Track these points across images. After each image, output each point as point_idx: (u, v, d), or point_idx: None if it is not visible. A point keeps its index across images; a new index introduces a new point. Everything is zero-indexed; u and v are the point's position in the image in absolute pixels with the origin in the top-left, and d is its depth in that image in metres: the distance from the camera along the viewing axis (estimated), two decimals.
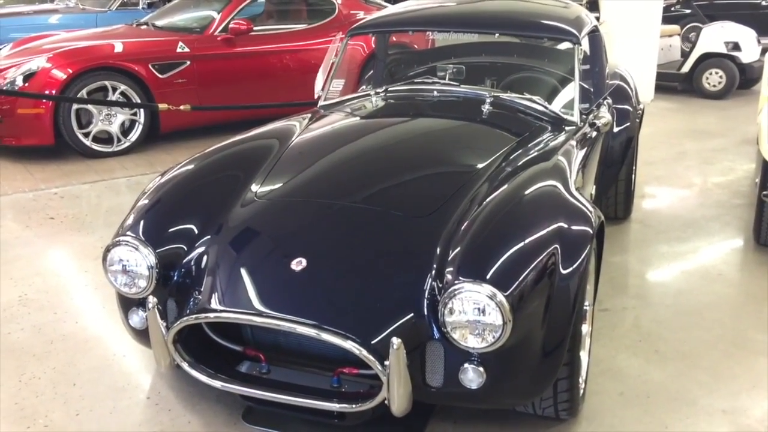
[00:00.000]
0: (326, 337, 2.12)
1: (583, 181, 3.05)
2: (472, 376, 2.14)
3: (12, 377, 2.84)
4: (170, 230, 2.54)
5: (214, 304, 2.28)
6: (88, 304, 3.51)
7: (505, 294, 2.09)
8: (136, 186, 5.25)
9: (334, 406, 2.22)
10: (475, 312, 2.08)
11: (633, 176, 4.59)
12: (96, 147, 6.02)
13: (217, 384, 2.32)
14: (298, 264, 2.29)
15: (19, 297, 3.55)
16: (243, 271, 2.34)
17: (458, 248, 2.26)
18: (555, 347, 2.25)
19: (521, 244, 2.26)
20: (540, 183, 2.63)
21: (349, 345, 2.11)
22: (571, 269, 2.28)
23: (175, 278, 2.45)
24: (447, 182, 2.71)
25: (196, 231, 2.55)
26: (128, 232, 2.49)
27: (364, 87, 4.15)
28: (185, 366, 2.35)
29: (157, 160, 5.97)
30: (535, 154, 2.95)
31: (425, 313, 2.19)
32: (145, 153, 6.18)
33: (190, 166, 2.88)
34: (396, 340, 2.06)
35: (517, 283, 2.14)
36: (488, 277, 2.13)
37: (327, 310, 2.20)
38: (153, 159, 6.04)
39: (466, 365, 2.15)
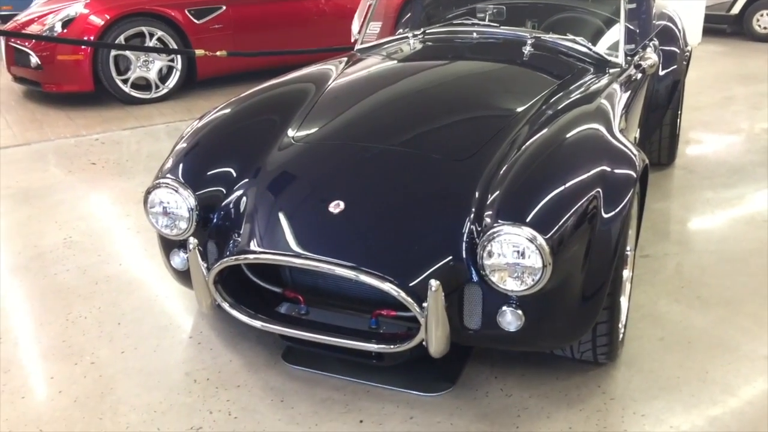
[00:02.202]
0: (364, 278, 2.12)
1: (627, 125, 2.97)
2: (510, 319, 2.13)
3: (59, 316, 2.92)
4: (209, 173, 2.55)
5: (254, 245, 2.29)
6: (130, 247, 3.57)
7: (545, 237, 2.06)
8: (175, 132, 5.29)
9: (372, 347, 2.24)
10: (515, 255, 2.06)
11: (678, 121, 4.47)
12: (134, 93, 6.07)
13: (257, 324, 2.36)
14: (336, 206, 2.29)
15: (64, 240, 3.63)
16: (281, 214, 2.34)
17: (497, 191, 2.23)
18: (595, 291, 2.22)
19: (562, 188, 2.22)
20: (582, 126, 2.57)
21: (387, 287, 2.11)
22: (613, 213, 2.23)
23: (215, 220, 2.47)
24: (486, 125, 2.66)
25: (235, 174, 2.55)
26: (168, 175, 2.51)
27: (401, 30, 4.08)
28: (226, 306, 2.38)
29: (195, 107, 6.00)
30: (578, 96, 2.88)
31: (464, 255, 2.17)
32: (182, 99, 6.21)
33: (228, 110, 2.88)
34: (434, 282, 2.05)
35: (557, 226, 2.11)
36: (528, 219, 2.10)
37: (365, 252, 2.20)
38: (191, 105, 6.07)
39: (504, 308, 2.14)
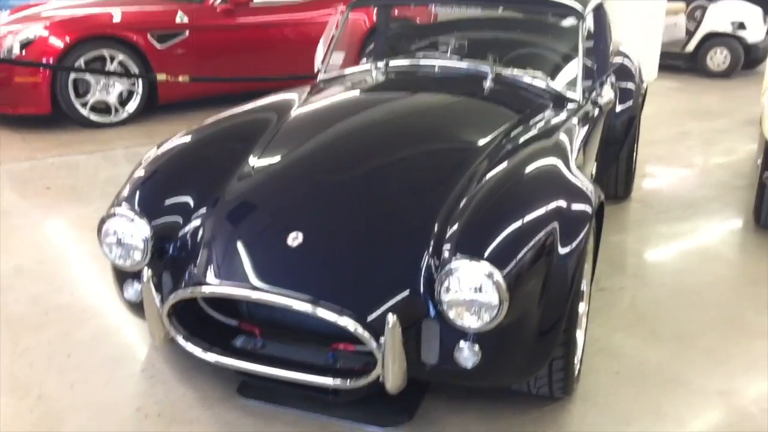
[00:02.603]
0: (321, 313, 2.10)
1: (584, 160, 3.02)
2: (467, 355, 2.13)
3: (7, 348, 2.84)
4: (166, 202, 2.52)
5: (210, 278, 2.26)
6: (84, 275, 3.50)
7: (503, 272, 2.07)
8: (134, 157, 5.18)
9: (329, 382, 2.21)
10: (472, 290, 2.07)
11: (634, 155, 4.56)
12: (93, 117, 5.98)
13: (211, 358, 2.31)
14: (295, 238, 2.27)
15: (15, 267, 3.53)
16: (239, 245, 2.32)
17: (456, 225, 2.24)
18: (551, 327, 2.23)
19: (520, 222, 2.24)
20: (540, 161, 2.60)
21: (345, 321, 2.09)
22: (569, 249, 2.26)
23: (171, 251, 2.43)
24: (446, 158, 2.68)
25: (193, 203, 2.52)
26: (123, 204, 2.47)
27: (364, 60, 4.10)
28: (180, 339, 2.34)
29: (155, 131, 5.93)
30: (536, 131, 2.92)
31: (422, 290, 2.17)
32: (143, 124, 6.14)
33: (188, 138, 2.85)
34: (391, 317, 2.04)
35: (514, 261, 2.12)
36: (486, 255, 2.11)
37: (323, 286, 2.18)
38: (151, 130, 6.00)
39: (461, 344, 2.13)
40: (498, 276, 2.05)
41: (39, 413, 2.45)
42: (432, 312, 2.15)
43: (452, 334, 2.14)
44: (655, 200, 4.67)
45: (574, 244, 2.27)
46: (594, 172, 3.33)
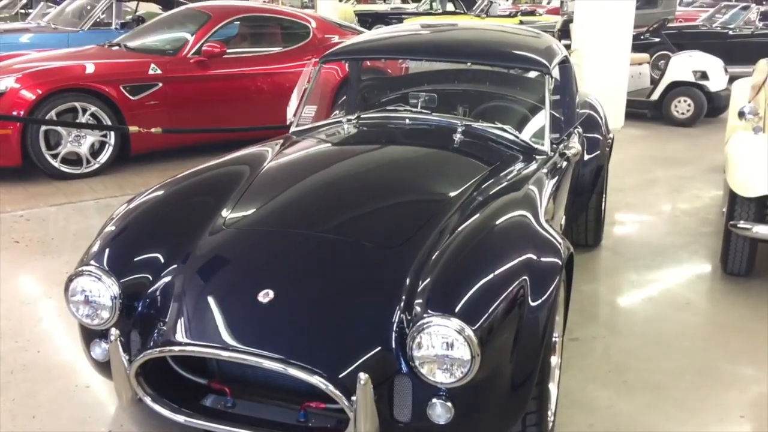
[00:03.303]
0: (293, 371, 2.08)
1: (554, 211, 3.06)
2: (440, 412, 2.12)
3: None
4: (136, 259, 2.49)
5: (179, 336, 2.23)
6: (51, 332, 3.43)
7: (474, 328, 2.07)
8: (105, 209, 5.18)
9: None
10: (443, 346, 2.06)
11: (603, 204, 4.63)
12: (64, 168, 5.94)
13: (180, 419, 2.27)
14: (266, 296, 2.26)
15: None
16: (209, 303, 2.30)
17: (427, 280, 2.24)
18: (524, 381, 2.23)
19: (490, 276, 2.25)
20: (510, 213, 2.63)
21: (316, 380, 2.07)
22: (540, 301, 2.27)
23: (140, 309, 2.40)
24: (418, 212, 2.70)
25: (163, 260, 2.50)
26: (92, 261, 2.44)
27: (337, 112, 4.15)
28: (147, 400, 2.29)
29: (127, 183, 5.90)
30: (506, 183, 2.95)
31: (393, 346, 2.16)
32: (114, 175, 6.11)
33: (159, 193, 2.84)
34: (363, 376, 2.03)
35: (485, 316, 2.12)
36: (456, 310, 2.11)
37: (294, 344, 2.17)
38: (123, 181, 5.97)
39: (434, 400, 2.12)
40: (469, 332, 2.05)
41: None
42: (404, 368, 2.14)
43: (425, 390, 2.13)
44: (625, 248, 4.73)
45: (544, 297, 2.29)
46: (563, 223, 3.37)
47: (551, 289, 2.32)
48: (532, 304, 2.25)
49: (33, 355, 3.19)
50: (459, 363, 2.05)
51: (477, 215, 2.58)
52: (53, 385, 2.94)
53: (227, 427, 2.24)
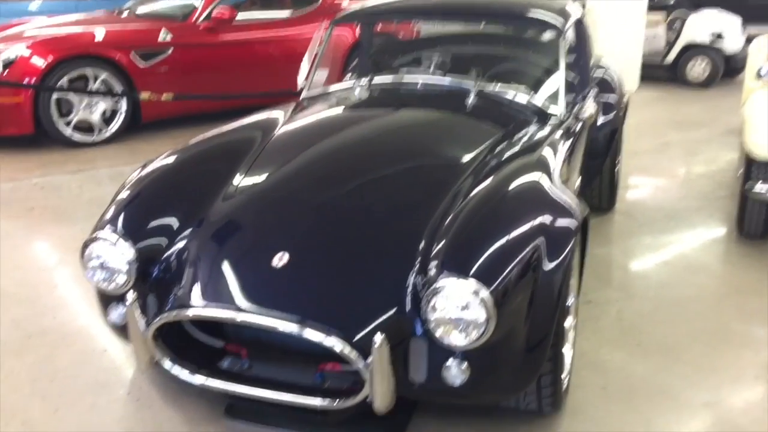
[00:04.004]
0: (308, 334, 2.09)
1: (568, 174, 3.03)
2: (455, 373, 2.13)
3: None
4: (150, 224, 2.50)
5: (194, 300, 2.25)
6: (67, 297, 3.46)
7: (489, 289, 2.07)
8: (118, 176, 5.18)
9: (316, 403, 2.20)
10: (458, 308, 2.06)
11: (617, 167, 4.59)
12: (77, 136, 5.96)
13: (197, 381, 2.29)
14: (280, 259, 2.26)
15: None
16: (224, 267, 2.31)
17: (441, 243, 2.24)
18: (539, 343, 2.23)
19: (505, 239, 2.24)
20: (524, 177, 2.61)
21: (331, 342, 2.08)
22: (555, 264, 2.26)
23: (155, 273, 2.41)
24: (431, 176, 2.69)
25: (177, 225, 2.51)
26: (107, 227, 2.45)
27: (348, 76, 4.11)
28: (165, 363, 2.32)
29: (139, 150, 5.91)
30: (520, 147, 2.93)
31: (408, 308, 2.17)
32: (126, 142, 6.12)
33: (171, 159, 2.84)
34: (379, 337, 2.04)
35: (500, 278, 2.12)
36: (471, 272, 2.11)
37: (309, 307, 2.17)
38: (135, 148, 5.98)
39: (449, 362, 2.13)
40: (484, 293, 2.05)
41: None
42: (419, 330, 2.15)
43: (440, 352, 2.13)
44: (639, 211, 4.70)
45: (559, 260, 2.28)
46: (578, 186, 3.34)
47: (566, 251, 2.31)
48: (548, 266, 2.25)
49: (50, 320, 3.22)
50: (474, 325, 2.06)
51: (490, 179, 2.56)
52: (71, 350, 2.97)
53: (244, 389, 2.26)
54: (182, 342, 2.40)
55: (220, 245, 2.41)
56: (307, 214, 2.49)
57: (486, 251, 2.19)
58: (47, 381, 2.76)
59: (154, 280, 2.40)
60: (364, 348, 2.08)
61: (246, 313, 2.16)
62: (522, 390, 2.31)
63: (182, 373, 2.30)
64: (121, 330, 2.48)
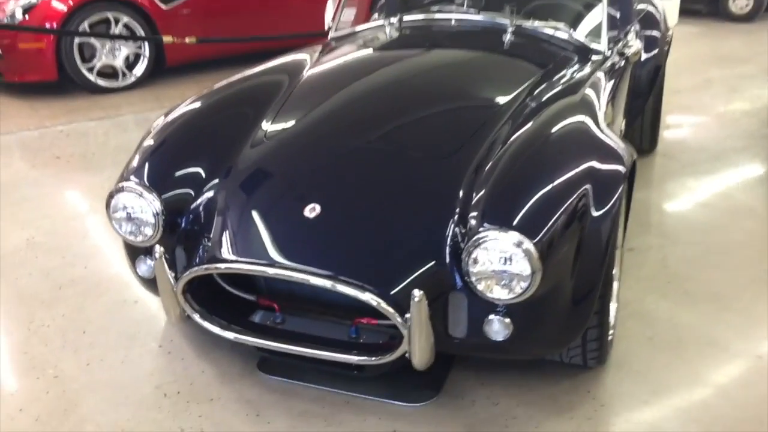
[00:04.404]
0: (342, 288, 2.00)
1: (613, 115, 2.87)
2: (497, 328, 2.03)
3: (20, 325, 2.77)
4: (177, 174, 2.41)
5: (224, 253, 2.16)
6: (97, 247, 3.42)
7: (534, 241, 1.95)
8: (144, 122, 5.10)
9: (353, 359, 2.12)
10: (501, 261, 1.95)
11: (660, 106, 4.39)
12: (101, 82, 5.86)
13: (229, 335, 2.23)
14: (312, 210, 2.16)
15: (27, 240, 3.46)
16: (253, 219, 2.21)
17: (482, 192, 2.12)
18: (586, 295, 2.12)
19: (549, 186, 2.11)
20: (568, 119, 2.46)
21: (367, 297, 1.99)
22: (603, 212, 2.13)
23: (183, 225, 2.33)
24: (469, 120, 2.54)
25: (204, 174, 2.41)
26: (132, 177, 2.36)
27: (377, 16, 3.93)
28: (196, 317, 2.25)
29: (164, 95, 5.80)
30: (561, 87, 2.77)
31: (448, 261, 2.06)
32: (151, 88, 6.01)
33: (197, 105, 2.73)
34: (417, 293, 1.94)
35: (546, 228, 1.99)
36: (515, 223, 1.99)
37: (342, 260, 2.08)
38: (160, 94, 5.87)
39: (491, 317, 2.03)
40: (529, 245, 1.93)
41: (55, 393, 2.39)
42: (459, 283, 2.04)
43: (481, 306, 2.03)
44: (680, 153, 4.51)
45: (607, 207, 2.14)
46: (623, 128, 3.18)
47: (614, 198, 2.17)
48: (595, 214, 2.12)
49: (80, 270, 3.18)
50: (518, 278, 1.94)
51: (531, 122, 2.42)
52: (102, 300, 2.93)
53: (278, 344, 2.19)
54: (213, 295, 2.33)
55: (249, 195, 2.31)
56: (339, 161, 2.37)
57: (529, 200, 2.06)
58: (78, 333, 2.72)
59: (183, 231, 2.32)
60: (401, 303, 1.99)
61: (276, 268, 2.07)
62: (567, 344, 2.22)
63: (214, 329, 2.24)
64: (151, 283, 2.41)
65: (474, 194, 2.13)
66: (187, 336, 2.67)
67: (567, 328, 2.15)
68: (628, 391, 2.35)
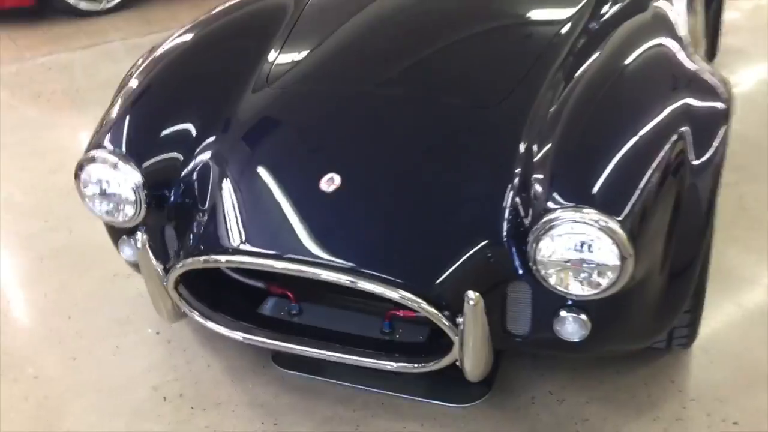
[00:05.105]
0: (367, 286, 1.56)
1: (695, 31, 2.34)
2: (572, 329, 1.60)
3: None
4: (162, 133, 1.92)
5: (223, 240, 1.71)
6: (83, 207, 2.97)
7: (621, 218, 1.49)
8: (134, 50, 4.55)
9: (388, 365, 1.71)
10: (579, 248, 1.50)
11: (722, 6, 3.78)
12: (83, 4, 5.27)
13: (236, 336, 1.82)
14: (330, 182, 1.69)
15: (5, 199, 3.03)
16: (257, 192, 1.76)
17: (546, 149, 1.64)
18: (683, 273, 1.68)
19: (635, 138, 1.63)
20: (642, 44, 1.95)
21: (402, 295, 1.55)
22: (703, 161, 1.66)
23: (173, 198, 1.87)
24: (519, 54, 2.02)
25: (196, 131, 1.94)
26: (104, 143, 1.89)
27: None
28: (195, 316, 1.84)
29: (155, 18, 5.22)
30: (627, 1, 2.22)
31: (506, 240, 1.60)
32: (139, 10, 5.42)
33: (185, 39, 2.21)
34: (473, 295, 1.50)
35: (635, 197, 1.52)
36: (594, 194, 1.52)
37: (368, 246, 1.63)
38: (149, 16, 5.28)
39: (563, 313, 1.60)
40: (615, 226, 1.47)
41: (36, 400, 2.02)
42: (521, 270, 1.60)
43: (551, 299, 1.60)
44: (742, 64, 3.94)
45: (708, 156, 1.68)
46: (706, 49, 2.64)
47: (717, 144, 1.70)
48: (695, 164, 1.65)
49: (64, 236, 2.76)
50: (603, 269, 1.50)
51: (599, 51, 1.91)
52: (89, 276, 2.53)
53: (293, 345, 1.78)
54: (213, 283, 1.91)
55: (251, 160, 1.85)
56: (360, 114, 1.89)
57: (610, 159, 1.59)
58: (63, 318, 2.33)
59: (172, 206, 1.87)
60: (448, 299, 1.56)
61: (285, 261, 1.62)
62: (656, 338, 1.78)
63: (218, 329, 1.83)
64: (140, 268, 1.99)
65: (538, 152, 1.66)
66: (189, 319, 2.26)
67: (658, 319, 1.71)
68: (722, 382, 1.94)
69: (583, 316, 1.59)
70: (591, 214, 1.48)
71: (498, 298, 1.63)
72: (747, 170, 2.92)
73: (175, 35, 2.25)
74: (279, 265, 1.63)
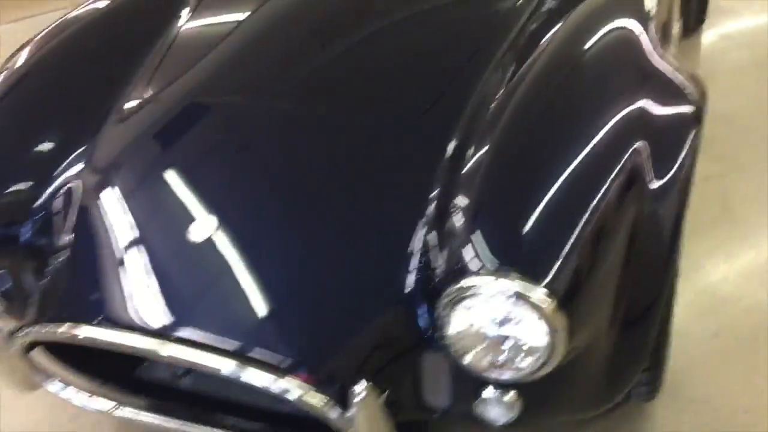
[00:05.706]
0: (246, 376, 1.23)
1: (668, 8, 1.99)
2: (496, 413, 1.28)
3: None
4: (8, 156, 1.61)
5: (71, 309, 1.37)
6: None
7: (548, 283, 1.14)
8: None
9: None
10: (497, 323, 1.17)
11: None
12: None
13: (102, 406, 1.49)
14: (200, 230, 1.35)
15: None
16: (116, 244, 1.41)
17: (479, 162, 1.33)
18: (641, 323, 1.35)
19: (576, 166, 1.29)
20: (603, 28, 1.61)
21: (283, 386, 1.22)
22: (666, 181, 1.35)
23: (26, 235, 1.55)
24: (454, 43, 1.68)
25: (53, 153, 1.62)
26: None
27: None
28: (54, 387, 1.51)
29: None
30: None
31: (414, 299, 1.27)
32: None
33: (39, 53, 1.84)
34: (361, 387, 1.17)
35: (569, 251, 1.18)
36: (522, 254, 1.19)
37: (244, 322, 1.29)
38: None
39: (485, 394, 1.27)
40: (541, 295, 1.14)
41: None
42: (432, 339, 1.27)
43: (470, 379, 1.27)
44: (735, 29, 3.53)
45: (672, 174, 1.37)
46: (680, 30, 2.26)
47: (682, 156, 1.39)
48: (654, 188, 1.33)
49: None
50: (530, 350, 1.17)
51: (552, 32, 1.60)
52: None
53: (177, 421, 1.46)
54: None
55: (110, 201, 1.50)
56: (248, 134, 1.54)
57: (542, 198, 1.24)
58: None
59: (25, 245, 1.54)
60: (340, 386, 1.23)
61: (141, 335, 1.29)
62: (609, 404, 1.45)
63: (78, 398, 1.51)
64: None
65: (469, 158, 1.35)
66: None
67: (610, 384, 1.39)
68: (695, 424, 1.64)
69: (512, 396, 1.27)
70: (515, 282, 1.14)
71: (409, 365, 1.31)
72: (732, 160, 2.57)
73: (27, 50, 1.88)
74: (140, 344, 1.27)
